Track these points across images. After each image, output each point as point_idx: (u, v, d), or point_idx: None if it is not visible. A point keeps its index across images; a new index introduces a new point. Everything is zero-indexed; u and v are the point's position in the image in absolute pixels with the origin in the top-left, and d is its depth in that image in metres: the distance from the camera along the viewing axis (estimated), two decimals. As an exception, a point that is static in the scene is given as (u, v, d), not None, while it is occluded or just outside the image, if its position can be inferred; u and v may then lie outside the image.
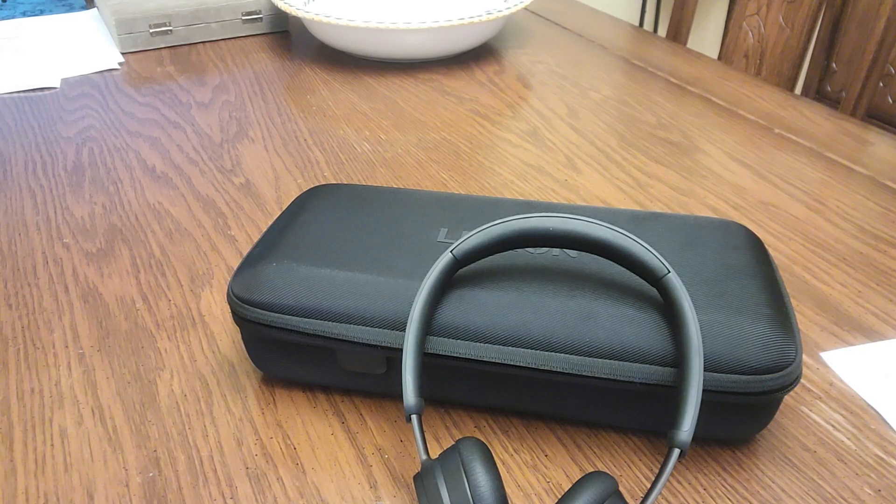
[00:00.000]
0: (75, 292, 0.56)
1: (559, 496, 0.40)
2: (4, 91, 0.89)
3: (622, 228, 0.40)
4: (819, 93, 2.15)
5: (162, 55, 1.00)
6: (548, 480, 0.41)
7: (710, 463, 0.42)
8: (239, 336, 0.51)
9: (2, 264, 0.59)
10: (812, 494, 0.40)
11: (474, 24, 0.91)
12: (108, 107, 0.85)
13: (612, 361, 0.39)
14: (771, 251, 0.60)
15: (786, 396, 0.46)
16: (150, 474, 0.41)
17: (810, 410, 0.45)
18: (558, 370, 0.40)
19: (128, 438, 0.44)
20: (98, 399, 0.46)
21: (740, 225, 0.48)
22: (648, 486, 0.41)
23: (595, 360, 0.39)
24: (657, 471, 0.40)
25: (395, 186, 0.69)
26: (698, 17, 2.52)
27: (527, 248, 0.45)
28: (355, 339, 0.42)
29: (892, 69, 1.96)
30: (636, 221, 0.48)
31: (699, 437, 0.43)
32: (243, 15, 1.05)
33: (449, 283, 0.42)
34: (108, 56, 0.99)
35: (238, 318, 0.44)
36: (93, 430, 0.44)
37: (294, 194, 0.68)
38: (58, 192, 0.68)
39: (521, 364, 0.40)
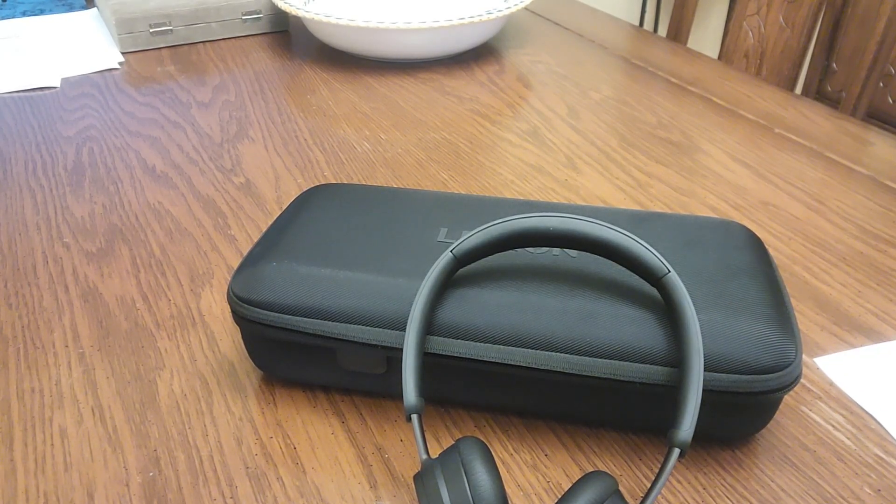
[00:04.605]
0: (75, 292, 0.56)
1: (559, 496, 0.40)
2: (4, 91, 0.89)
3: (622, 228, 0.40)
4: (819, 93, 2.15)
5: (162, 55, 1.00)
6: (548, 480, 0.41)
7: (709, 462, 0.42)
8: (239, 336, 0.51)
9: (2, 264, 0.59)
10: (812, 494, 0.40)
11: (474, 24, 0.91)
12: (109, 106, 0.85)
13: (612, 361, 0.39)
14: (771, 251, 0.60)
15: (786, 396, 0.46)
16: (151, 474, 0.41)
17: (810, 410, 0.45)
18: (558, 370, 0.40)
19: (128, 438, 0.44)
20: (98, 399, 0.46)
21: (740, 225, 0.48)
22: (648, 485, 0.41)
23: (595, 360, 0.39)
24: (657, 470, 0.40)
25: (395, 186, 0.69)
26: (698, 17, 2.52)
27: (527, 248, 0.45)
28: (355, 339, 0.42)
29: (892, 69, 1.96)
30: (636, 221, 0.48)
31: (699, 437, 0.43)
32: (243, 14, 1.05)
33: (449, 282, 0.42)
34: (108, 56, 0.99)
35: (238, 317, 0.44)
36: (93, 430, 0.44)
37: (294, 194, 0.68)
38: (58, 192, 0.68)
39: (522, 364, 0.40)
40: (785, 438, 0.43)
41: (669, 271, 0.39)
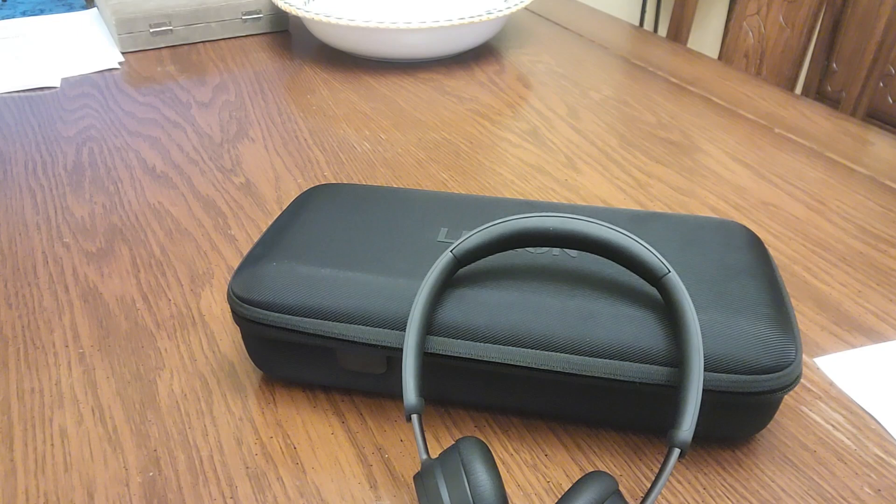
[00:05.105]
0: (75, 292, 0.56)
1: (559, 496, 0.40)
2: (4, 91, 0.89)
3: (622, 228, 0.40)
4: (819, 93, 2.15)
5: (162, 55, 1.00)
6: (548, 480, 0.41)
7: (709, 462, 0.42)
8: (239, 336, 0.51)
9: (2, 264, 0.59)
10: (812, 494, 0.40)
11: (474, 24, 0.91)
12: (109, 106, 0.85)
13: (612, 361, 0.39)
14: (771, 251, 0.60)
15: (786, 396, 0.46)
16: (150, 474, 0.41)
17: (810, 410, 0.45)
18: (559, 370, 0.40)
19: (128, 438, 0.44)
20: (98, 399, 0.46)
21: (740, 225, 0.48)
22: (648, 485, 0.41)
23: (595, 359, 0.39)
24: (657, 470, 0.41)
25: (395, 186, 0.69)
26: (698, 17, 2.52)
27: (527, 248, 0.45)
28: (355, 339, 0.42)
29: (892, 69, 1.96)
30: (636, 221, 0.48)
31: (699, 437, 0.43)
32: (243, 14, 1.05)
33: (449, 282, 0.42)
34: (108, 56, 0.99)
35: (238, 317, 0.44)
36: (93, 430, 0.44)
37: (294, 194, 0.68)
38: (58, 192, 0.68)
39: (522, 364, 0.40)
40: (785, 438, 0.43)
41: (669, 271, 0.39)
